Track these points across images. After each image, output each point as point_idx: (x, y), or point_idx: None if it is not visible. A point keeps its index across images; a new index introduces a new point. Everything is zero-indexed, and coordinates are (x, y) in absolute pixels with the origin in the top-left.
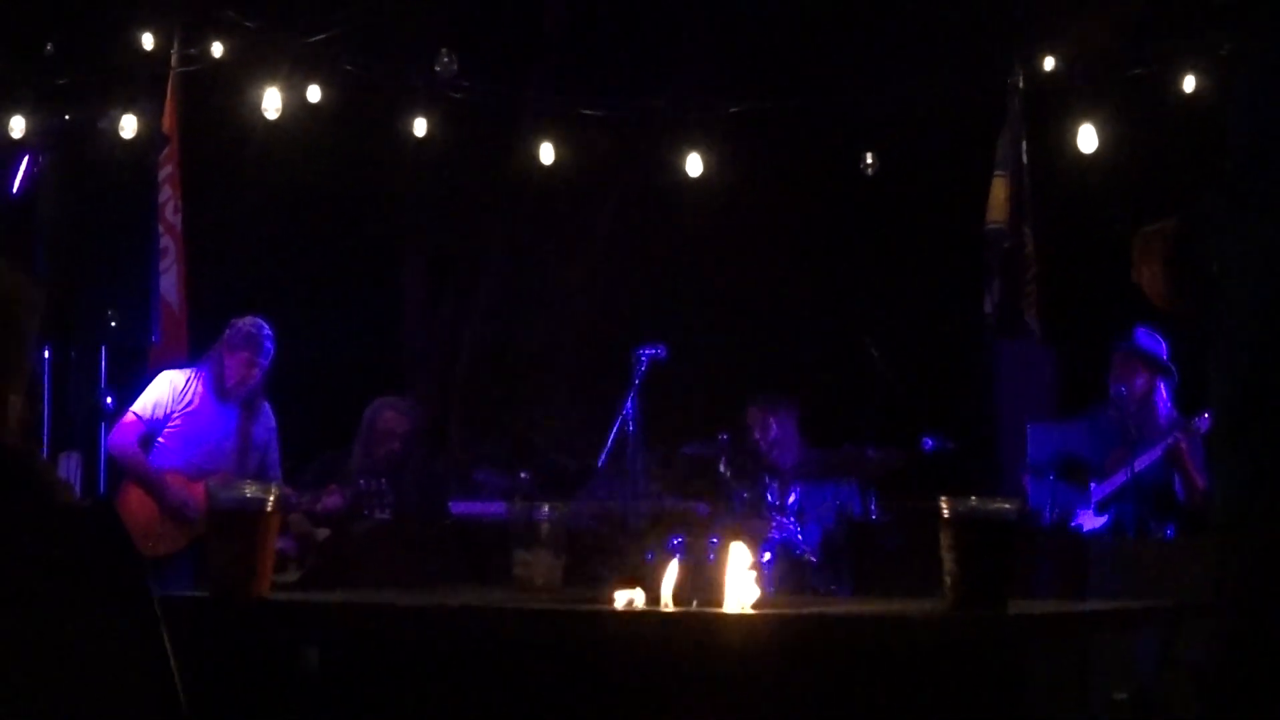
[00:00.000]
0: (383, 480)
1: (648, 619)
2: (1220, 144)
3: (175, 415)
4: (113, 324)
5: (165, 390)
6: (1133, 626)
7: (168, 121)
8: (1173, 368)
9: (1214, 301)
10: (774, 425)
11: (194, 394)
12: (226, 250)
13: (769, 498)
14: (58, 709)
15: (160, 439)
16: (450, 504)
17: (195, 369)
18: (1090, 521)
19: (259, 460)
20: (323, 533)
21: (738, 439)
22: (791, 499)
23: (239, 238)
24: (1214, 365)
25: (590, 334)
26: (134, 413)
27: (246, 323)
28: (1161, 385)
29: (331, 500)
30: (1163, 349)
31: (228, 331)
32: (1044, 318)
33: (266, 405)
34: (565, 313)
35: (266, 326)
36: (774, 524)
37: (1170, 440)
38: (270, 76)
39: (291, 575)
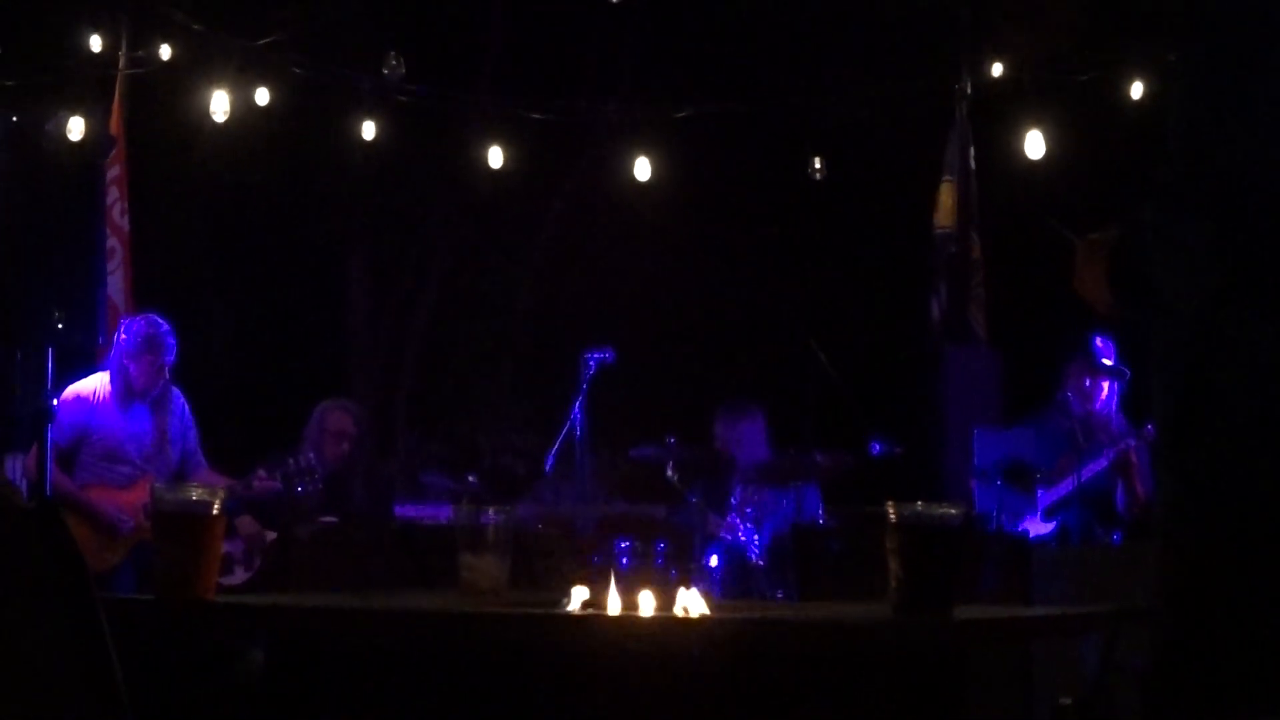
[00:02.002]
0: (310, 455)
1: (592, 623)
2: (1165, 151)
3: (91, 429)
4: (59, 325)
5: (74, 407)
6: (1076, 632)
7: (115, 123)
8: (1126, 373)
9: (1152, 310)
10: (744, 431)
11: (102, 402)
12: (172, 252)
13: (732, 500)
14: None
15: (80, 456)
16: (396, 507)
17: (101, 374)
18: (1037, 528)
19: (180, 451)
20: (270, 535)
21: (686, 442)
22: (750, 506)
23: (185, 239)
24: (1154, 374)
25: (537, 337)
26: (53, 444)
27: (142, 324)
28: (1114, 391)
29: (263, 483)
30: (1113, 354)
31: (124, 336)
32: (990, 322)
33: (176, 392)
34: (512, 316)
35: (163, 323)
36: (726, 525)
37: (1120, 447)
38: (218, 79)
39: (239, 577)
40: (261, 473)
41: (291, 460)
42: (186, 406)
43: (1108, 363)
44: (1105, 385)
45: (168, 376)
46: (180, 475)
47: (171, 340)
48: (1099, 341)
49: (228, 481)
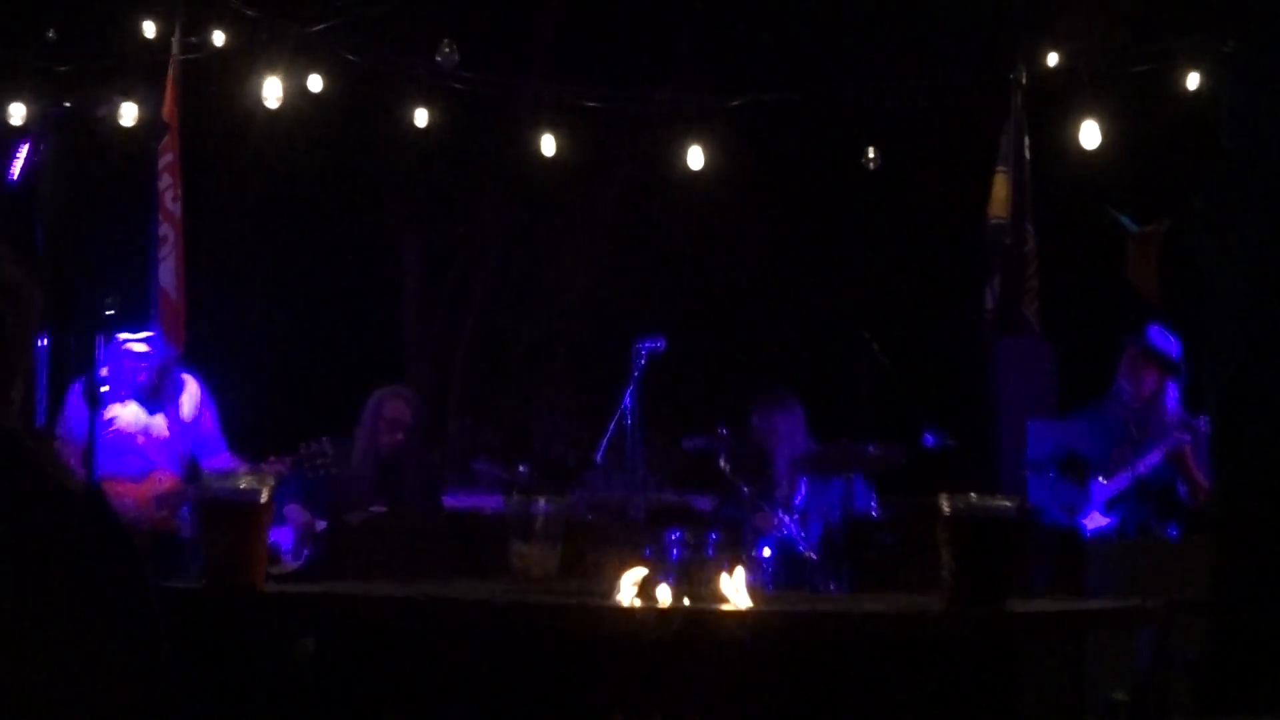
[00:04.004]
0: (323, 440)
1: (644, 614)
2: (1217, 143)
3: (101, 420)
4: (110, 312)
5: (80, 402)
6: (1130, 625)
7: (168, 109)
8: (1183, 368)
9: (1205, 302)
10: (779, 423)
11: (111, 393)
12: (225, 239)
13: (776, 493)
14: (52, 694)
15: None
16: (447, 496)
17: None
18: (1094, 521)
19: (193, 438)
20: (320, 524)
21: (738, 433)
22: (798, 496)
23: (237, 226)
24: (1207, 366)
25: (590, 326)
26: (58, 438)
27: (117, 344)
28: (1171, 386)
29: (271, 465)
30: (1174, 348)
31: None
32: (1044, 313)
33: (184, 379)
34: (564, 304)
35: (123, 340)
36: (775, 520)
37: (1172, 442)
38: (271, 65)
39: (288, 567)
40: (272, 458)
41: (303, 445)
42: (203, 391)
43: (1158, 350)
44: (1154, 374)
45: (151, 378)
46: (196, 462)
47: (136, 350)
48: (1155, 331)
49: (243, 466)
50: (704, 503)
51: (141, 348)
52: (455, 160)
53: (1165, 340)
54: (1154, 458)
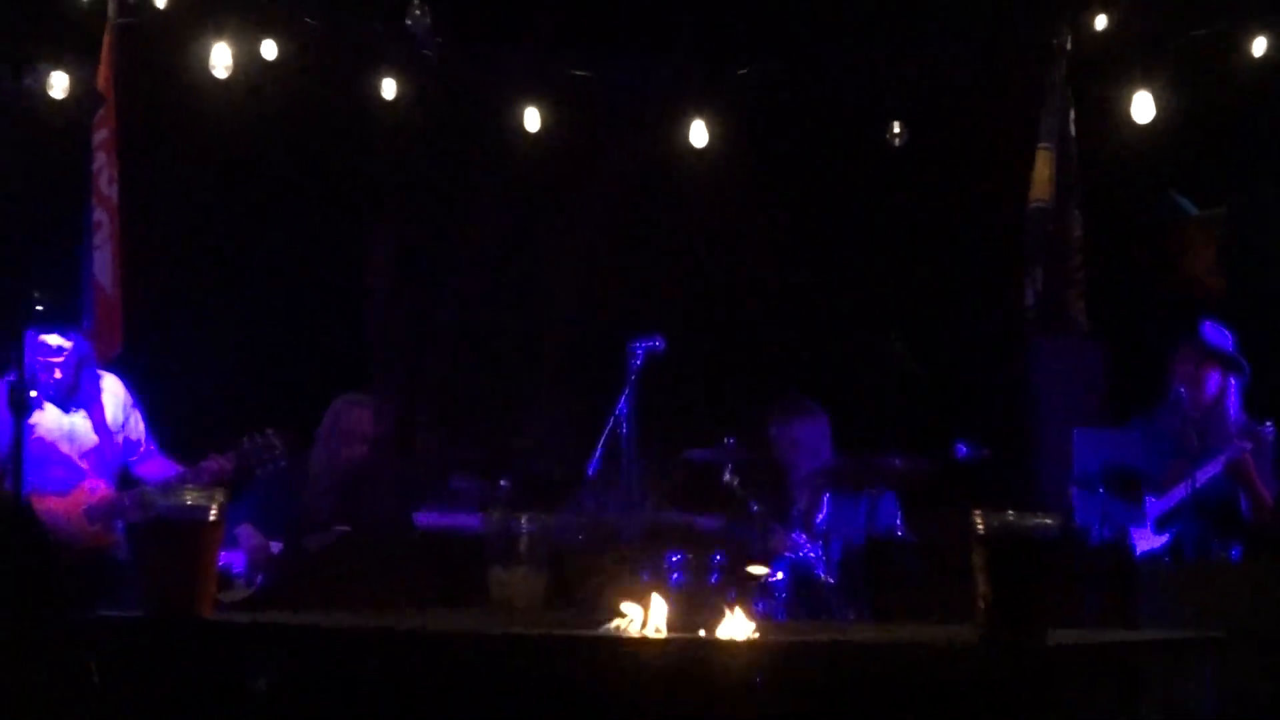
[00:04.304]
0: (269, 431)
1: (640, 647)
2: None
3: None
4: (39, 307)
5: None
6: (1189, 658)
7: (103, 80)
8: (1244, 364)
9: (1272, 294)
10: (802, 433)
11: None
12: (168, 226)
13: (794, 511)
14: None
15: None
16: (419, 515)
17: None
18: (1147, 541)
19: (121, 442)
20: (275, 547)
21: (746, 443)
22: (820, 515)
23: (182, 212)
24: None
25: (580, 324)
26: None
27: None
28: (1233, 386)
29: (211, 464)
30: (1230, 344)
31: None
32: (1092, 310)
33: (103, 379)
34: (552, 300)
35: (37, 334)
36: (790, 541)
37: (1234, 451)
38: (220, 30)
39: (240, 593)
40: (212, 455)
41: (247, 439)
42: (127, 392)
43: (1218, 348)
44: (1216, 375)
45: (70, 377)
46: (127, 469)
47: (54, 344)
48: (1209, 327)
49: (178, 470)
50: (708, 522)
51: (57, 341)
52: (428, 139)
53: (1220, 336)
54: (1213, 468)
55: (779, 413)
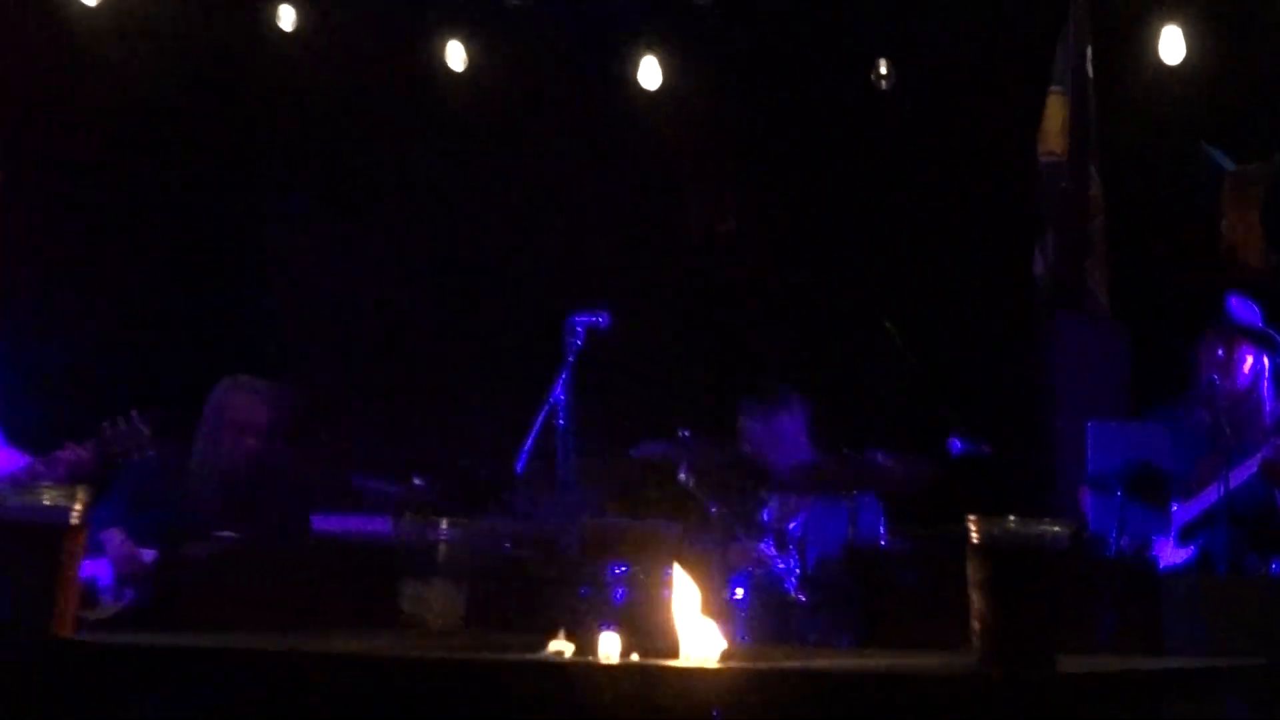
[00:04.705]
0: (134, 415)
1: (579, 674)
2: None
3: None
4: None
5: None
6: (1221, 689)
7: None
8: (1278, 341)
9: None
10: (781, 426)
11: None
12: (33, 185)
13: (764, 516)
14: None
15: None
16: (319, 519)
17: None
18: (1171, 554)
19: None
20: (149, 555)
21: (705, 436)
22: (797, 521)
23: (48, 169)
24: None
25: (511, 296)
26: None
27: None
28: (1269, 369)
29: (68, 454)
30: (1259, 319)
31: None
32: (1113, 283)
33: None
34: (479, 269)
35: None
36: (755, 551)
37: (1270, 449)
38: None
39: (106, 610)
40: (69, 445)
41: (108, 425)
42: None
43: (1248, 325)
44: (1249, 357)
45: None
46: None
47: None
48: (1236, 302)
49: (27, 461)
50: (660, 529)
51: None
52: (333, 80)
53: (1249, 310)
54: (1248, 469)
55: (755, 403)
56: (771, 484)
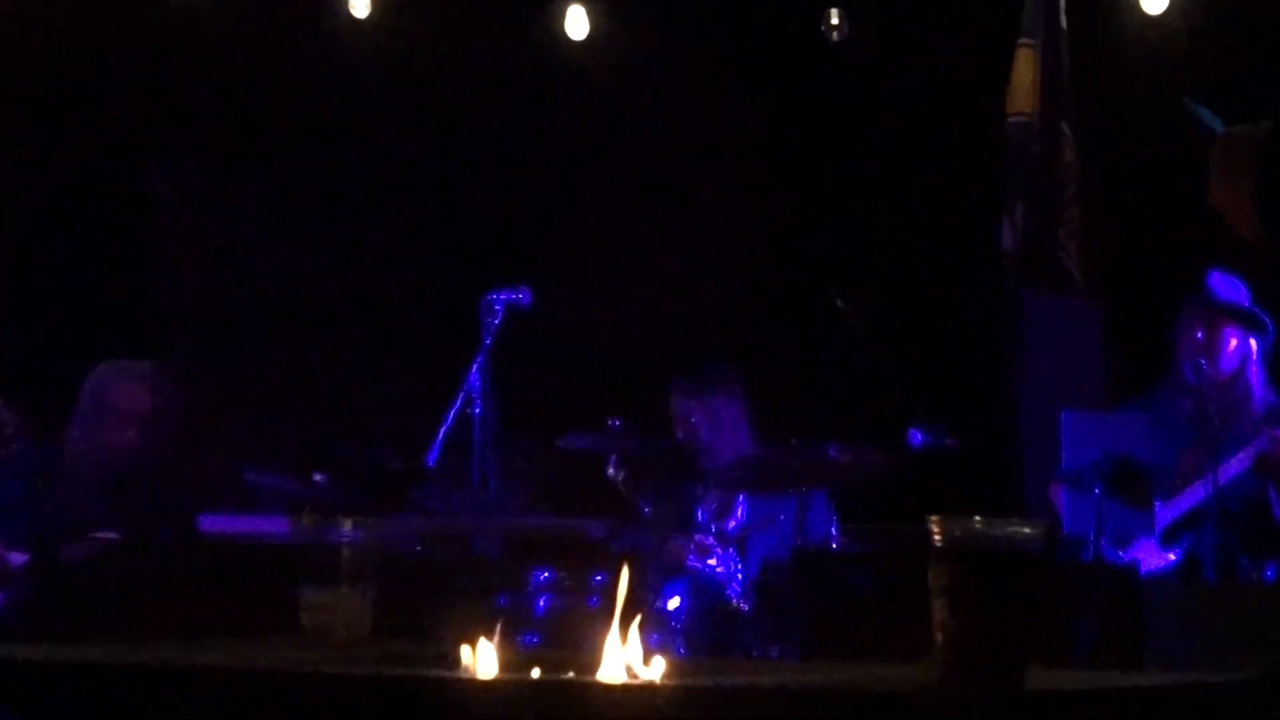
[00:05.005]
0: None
1: (497, 692)
2: None
3: None
4: None
5: None
6: (1209, 707)
7: None
8: (1268, 321)
9: None
10: (717, 409)
11: None
12: None
13: (699, 514)
14: None
15: None
16: (208, 519)
17: None
18: (1153, 558)
19: None
20: (19, 559)
21: (638, 427)
22: (734, 519)
23: None
24: None
25: (422, 272)
26: None
27: None
28: (1255, 352)
29: None
30: (1244, 296)
31: None
32: (1089, 258)
33: None
34: (387, 243)
35: None
36: (694, 553)
37: (1263, 442)
38: None
39: None
40: None
41: None
42: None
43: (1232, 304)
44: (1234, 339)
45: None
46: None
47: None
48: (1218, 278)
49: None
50: (587, 528)
51: None
52: (227, 34)
53: (1232, 288)
54: (1238, 464)
55: (686, 386)
56: (707, 477)
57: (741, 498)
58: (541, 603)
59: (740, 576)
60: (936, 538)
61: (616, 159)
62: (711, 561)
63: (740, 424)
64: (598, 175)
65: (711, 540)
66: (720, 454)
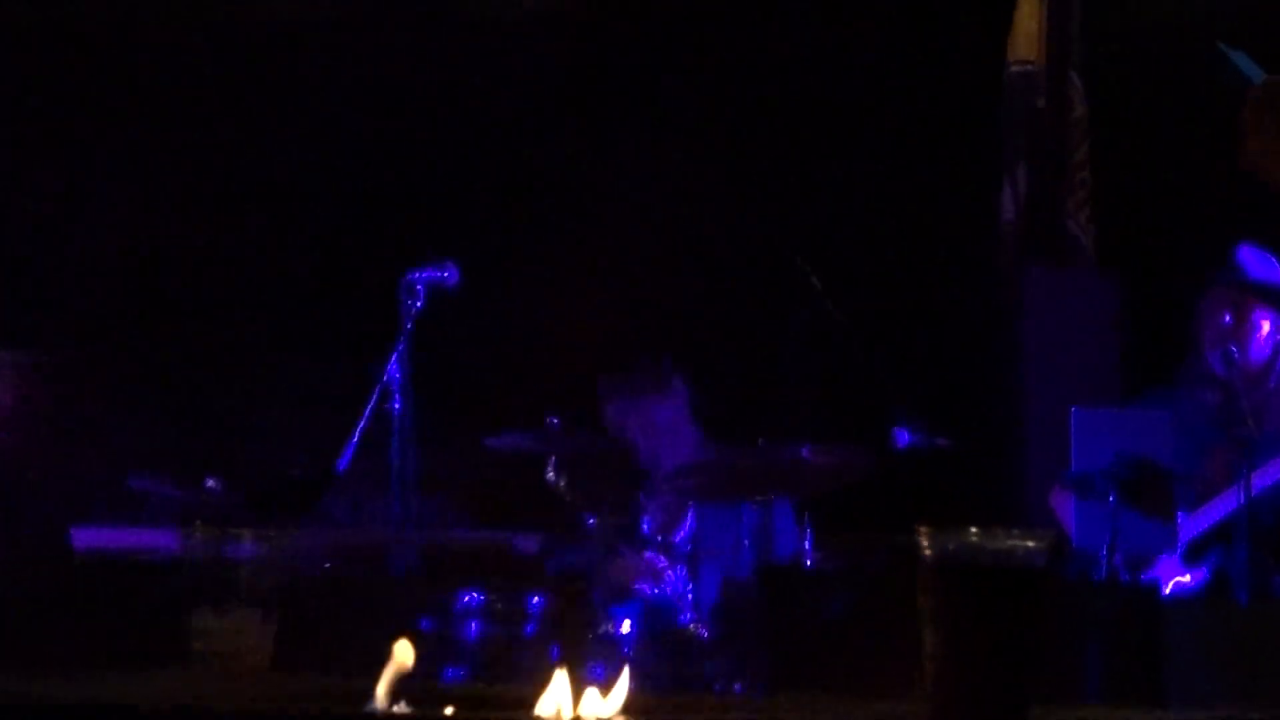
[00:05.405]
0: None
1: None
2: None
3: None
4: None
5: None
6: None
7: None
8: None
9: None
10: (655, 411)
11: None
12: None
13: (643, 526)
14: None
15: None
16: (81, 531)
17: None
18: (1177, 576)
19: None
20: None
21: (580, 426)
22: (682, 531)
23: None
24: None
25: (331, 247)
26: None
27: None
28: None
29: None
30: (1277, 274)
31: None
32: (1102, 226)
33: None
34: (291, 211)
35: None
36: (644, 571)
37: None
38: None
39: None
40: None
41: None
42: None
43: (1264, 283)
44: (1265, 323)
45: None
46: None
47: None
48: (1248, 253)
49: None
50: (523, 543)
51: None
52: None
53: (1266, 264)
54: (1274, 471)
55: (618, 383)
56: (652, 485)
57: (691, 507)
58: (470, 628)
59: (690, 597)
60: (925, 552)
61: (552, 124)
62: (662, 582)
63: (681, 426)
64: (533, 140)
65: (661, 558)
66: (661, 462)
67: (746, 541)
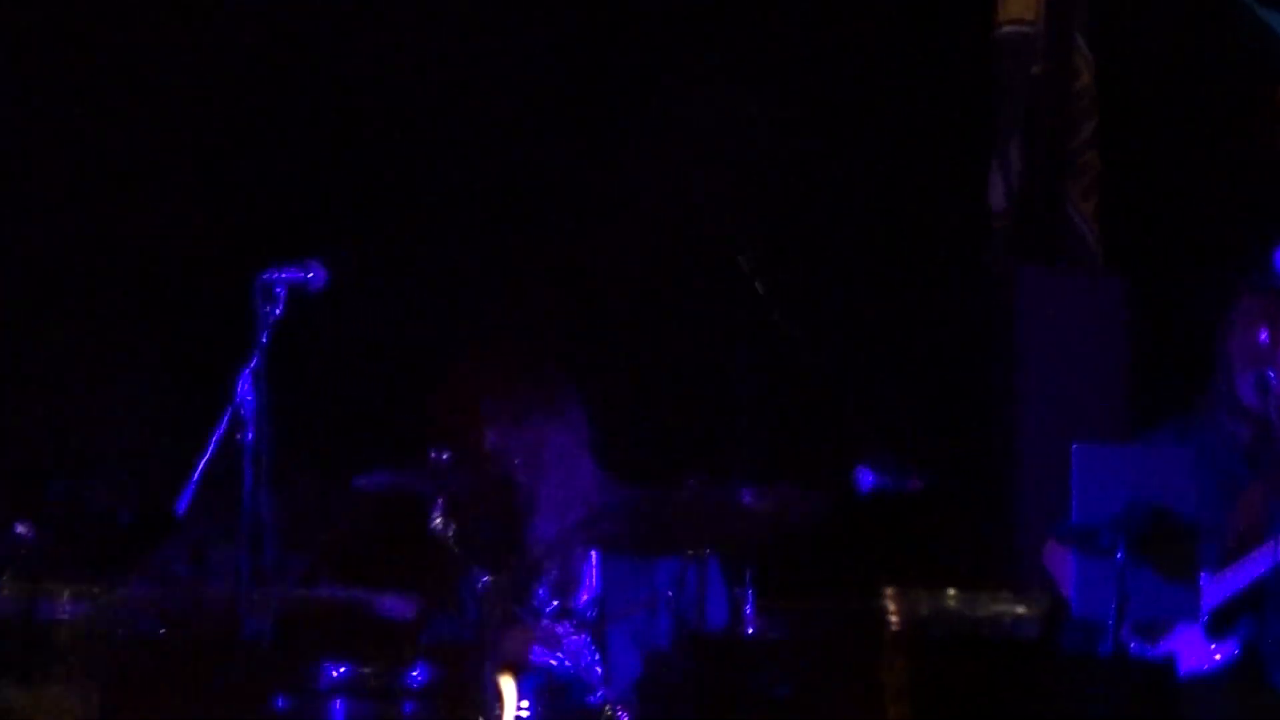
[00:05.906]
0: None
1: None
2: None
3: None
4: None
5: None
6: None
7: None
8: None
9: None
10: (548, 436)
11: None
12: None
13: (538, 589)
14: None
15: None
16: None
17: None
18: (1198, 651)
19: None
20: None
21: (470, 461)
22: (584, 589)
23: None
24: None
25: (174, 245)
26: None
27: None
28: None
29: None
30: None
31: None
32: (1109, 220)
33: None
34: (126, 204)
35: None
36: (545, 638)
37: None
38: None
39: None
40: None
41: None
42: None
43: None
44: None
45: None
46: None
47: None
48: None
49: None
50: (397, 606)
51: None
52: None
53: None
54: None
55: (501, 404)
56: (544, 534)
57: (593, 562)
58: (334, 709)
59: (600, 671)
60: (892, 618)
61: (450, 94)
62: (563, 652)
63: (574, 460)
64: (425, 114)
65: (562, 625)
66: (546, 501)
67: (664, 601)
